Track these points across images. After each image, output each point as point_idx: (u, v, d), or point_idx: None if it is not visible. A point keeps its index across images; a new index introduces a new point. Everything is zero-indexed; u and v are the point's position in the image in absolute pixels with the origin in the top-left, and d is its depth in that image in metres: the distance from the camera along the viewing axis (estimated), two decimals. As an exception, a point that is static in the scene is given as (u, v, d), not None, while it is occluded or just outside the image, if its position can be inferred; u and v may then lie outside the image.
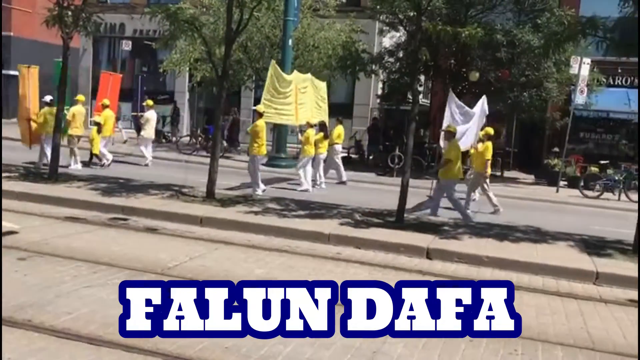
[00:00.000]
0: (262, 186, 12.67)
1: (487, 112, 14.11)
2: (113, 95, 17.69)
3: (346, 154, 22.02)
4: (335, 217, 9.86)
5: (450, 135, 11.30)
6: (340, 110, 25.33)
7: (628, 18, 9.06)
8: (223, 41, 12.19)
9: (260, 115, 12.15)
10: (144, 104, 18.73)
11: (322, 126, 15.01)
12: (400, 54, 20.03)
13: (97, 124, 15.67)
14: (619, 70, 22.10)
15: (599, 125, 23.20)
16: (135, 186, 11.68)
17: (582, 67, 17.45)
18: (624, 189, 16.99)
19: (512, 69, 18.34)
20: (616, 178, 17.38)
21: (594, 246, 9.02)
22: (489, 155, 12.50)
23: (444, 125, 11.98)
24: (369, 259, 7.86)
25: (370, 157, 21.78)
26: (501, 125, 26.09)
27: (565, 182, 18.81)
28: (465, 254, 8.05)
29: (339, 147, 16.17)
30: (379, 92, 23.71)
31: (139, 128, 18.58)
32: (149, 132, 17.32)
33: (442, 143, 12.19)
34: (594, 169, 18.53)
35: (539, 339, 5.30)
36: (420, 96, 27.66)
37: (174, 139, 24.32)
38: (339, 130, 16.30)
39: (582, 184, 17.65)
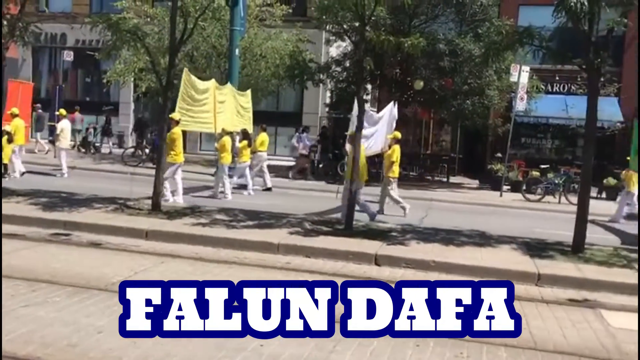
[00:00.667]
0: (168, 195, 12.31)
1: (397, 117, 14.94)
2: (25, 105, 17.34)
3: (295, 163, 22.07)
4: (285, 227, 9.83)
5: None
6: (289, 119, 25.54)
7: (563, 28, 9.41)
8: (168, 51, 12.03)
9: (177, 122, 12.05)
10: (57, 113, 18.33)
11: (244, 134, 15.09)
12: (347, 64, 20.25)
13: (8, 134, 15.20)
14: (557, 78, 23.01)
15: (539, 131, 24.06)
16: (79, 200, 11.34)
17: (521, 75, 18.05)
18: (564, 191, 17.62)
19: (455, 77, 18.80)
20: (556, 181, 18.02)
21: (536, 248, 9.30)
22: (394, 157, 12.91)
23: (350, 129, 12.21)
24: (318, 267, 7.87)
25: (320, 166, 21.87)
26: (445, 132, 26.86)
27: (509, 187, 19.36)
28: (412, 259, 8.17)
29: (263, 155, 16.29)
30: (327, 100, 23.87)
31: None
32: (63, 142, 16.95)
33: (347, 147, 12.39)
34: (535, 173, 19.15)
35: (484, 341, 5.41)
36: (368, 104, 28.08)
37: (106, 149, 24.06)
38: (262, 138, 16.43)
39: (524, 187, 18.22)
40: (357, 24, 11.43)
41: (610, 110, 21.18)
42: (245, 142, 14.88)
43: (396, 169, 13.00)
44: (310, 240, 8.92)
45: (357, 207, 10.42)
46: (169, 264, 7.60)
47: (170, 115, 11.76)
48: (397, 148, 13.05)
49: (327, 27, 19.95)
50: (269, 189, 16.15)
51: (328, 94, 23.12)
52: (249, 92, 16.95)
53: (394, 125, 14.45)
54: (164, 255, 7.95)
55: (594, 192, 18.49)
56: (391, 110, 14.55)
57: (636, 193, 14.37)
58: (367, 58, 10.00)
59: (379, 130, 13.83)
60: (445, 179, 22.60)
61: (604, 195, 19.10)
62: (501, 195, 18.22)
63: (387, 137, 13.62)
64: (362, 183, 11.24)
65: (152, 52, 12.62)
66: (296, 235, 9.21)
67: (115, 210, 10.49)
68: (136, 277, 6.84)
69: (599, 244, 9.84)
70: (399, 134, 13.45)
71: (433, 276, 7.73)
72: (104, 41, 11.28)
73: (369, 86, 22.13)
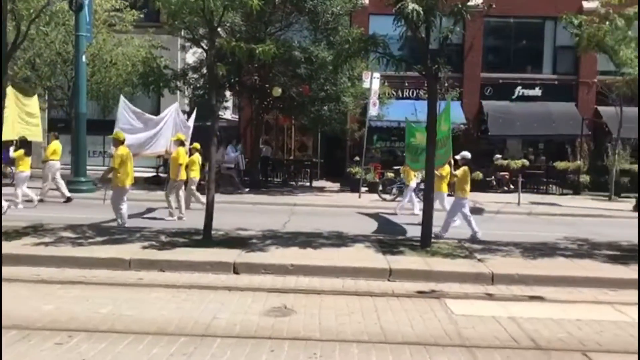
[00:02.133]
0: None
1: (186, 120, 16.08)
2: None
3: (154, 174, 21.28)
4: (138, 241, 9.39)
5: (118, 142, 11.58)
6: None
7: (409, 37, 9.88)
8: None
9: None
10: None
11: (22, 143, 14.44)
12: (204, 70, 19.92)
13: None
14: (406, 84, 24.41)
15: (392, 134, 25.33)
16: None
17: (372, 82, 18.88)
18: (415, 191, 18.65)
19: (312, 84, 19.21)
20: (409, 181, 19.03)
21: (388, 245, 9.74)
22: (182, 160, 13.23)
23: (115, 130, 12.28)
24: (173, 281, 7.59)
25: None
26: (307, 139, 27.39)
27: (367, 188, 20.19)
28: (271, 264, 8.18)
29: (56, 164, 15.49)
30: (186, 108, 23.29)
31: None
32: None
33: (112, 150, 12.36)
34: (389, 175, 20.12)
35: (337, 339, 5.53)
36: (230, 111, 27.89)
37: None
38: (54, 146, 15.67)
39: (380, 188, 19.08)
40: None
41: (454, 114, 22.74)
42: (21, 152, 14.11)
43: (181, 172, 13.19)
44: (165, 253, 8.61)
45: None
46: (5, 289, 6.91)
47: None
48: (181, 150, 13.28)
49: (182, 32, 19.52)
50: (68, 200, 15.35)
51: (186, 101, 22.58)
52: (35, 97, 15.95)
53: (188, 128, 15.75)
54: (0, 281, 7.23)
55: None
56: (176, 112, 15.37)
57: (413, 186, 15.39)
58: (220, 64, 9.87)
59: (161, 132, 14.27)
60: (308, 184, 23.02)
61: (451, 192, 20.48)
62: (360, 196, 18.91)
63: (171, 139, 14.09)
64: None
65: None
66: (150, 249, 8.83)
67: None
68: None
69: (445, 238, 10.53)
70: (182, 136, 14.00)
71: (291, 280, 7.79)
72: None
73: (227, 93, 21.97)
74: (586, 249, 10.29)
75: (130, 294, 6.89)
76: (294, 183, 23.04)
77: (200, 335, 5.51)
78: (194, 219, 11.14)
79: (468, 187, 11.62)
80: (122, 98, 13.50)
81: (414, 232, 10.95)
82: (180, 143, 13.46)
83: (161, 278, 7.70)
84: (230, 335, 5.54)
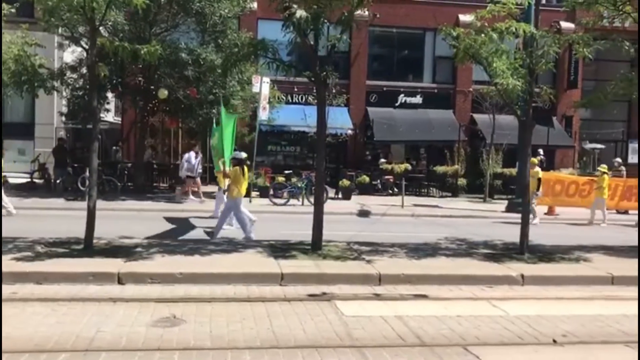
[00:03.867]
0: None
1: None
2: None
3: (29, 179, 19.89)
4: (11, 252, 8.70)
5: None
6: (19, 130, 22.87)
7: (298, 43, 9.94)
8: None
9: None
10: None
11: None
12: (84, 70, 18.91)
13: None
14: (295, 89, 24.65)
15: (282, 139, 25.52)
16: None
17: (262, 86, 18.89)
18: (306, 194, 18.91)
19: (200, 86, 18.85)
20: (299, 185, 19.26)
21: (280, 249, 9.76)
22: None
23: None
24: (52, 294, 7.11)
25: (58, 182, 19.99)
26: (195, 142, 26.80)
27: (257, 192, 20.12)
28: (158, 273, 7.91)
29: None
30: (64, 110, 21.98)
31: None
32: None
33: None
34: (280, 179, 20.22)
35: (229, 347, 5.46)
36: (112, 114, 26.67)
37: None
38: None
39: (271, 192, 19.11)
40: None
41: (342, 119, 23.42)
42: None
43: None
44: (42, 264, 8.05)
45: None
46: None
47: None
48: None
49: (59, 30, 18.39)
50: None
51: (64, 102, 21.30)
52: None
53: None
54: None
55: (333, 193, 20.41)
56: None
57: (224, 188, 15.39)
58: (101, 64, 9.41)
59: None
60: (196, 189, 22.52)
61: (340, 195, 20.99)
62: (250, 201, 18.76)
63: None
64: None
65: None
66: (25, 261, 8.21)
67: None
68: None
69: (335, 240, 10.74)
70: None
71: (180, 289, 7.58)
72: None
73: (109, 94, 21.00)
74: (465, 248, 10.94)
75: (3, 309, 6.36)
76: (180, 188, 22.43)
77: (83, 350, 5.21)
78: (74, 228, 10.51)
79: (242, 188, 11.72)
80: None
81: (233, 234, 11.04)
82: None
83: (38, 291, 7.19)
84: (116, 349, 5.29)
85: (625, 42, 11.20)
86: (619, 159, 22.72)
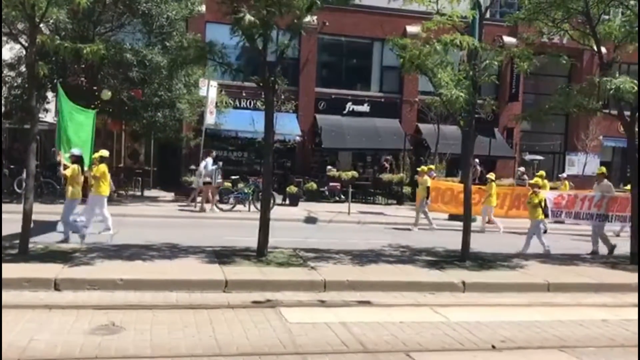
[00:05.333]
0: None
1: None
2: None
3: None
4: (-62, 257, 8.25)
5: None
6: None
7: (247, 48, 9.85)
8: None
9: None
10: None
11: None
12: (23, 68, 18.22)
13: None
14: (244, 94, 24.51)
15: (229, 144, 25.27)
16: None
17: (210, 90, 18.67)
18: (253, 200, 18.76)
19: (145, 88, 18.47)
20: (246, 191, 19.10)
21: (224, 255, 9.63)
22: None
23: None
24: (-19, 301, 6.77)
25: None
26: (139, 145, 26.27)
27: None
28: (97, 279, 7.67)
29: None
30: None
31: None
32: None
33: None
34: (227, 184, 19.99)
35: (170, 355, 5.34)
36: (52, 114, 25.75)
37: None
38: None
39: (217, 198, 18.84)
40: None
41: (290, 126, 23.40)
42: None
43: None
44: (-28, 269, 7.65)
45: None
46: None
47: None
48: None
49: (-4, 26, 17.66)
50: None
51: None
52: None
53: None
54: None
55: (280, 199, 20.34)
56: None
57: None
58: (40, 63, 9.08)
59: None
60: (139, 193, 22.04)
61: (287, 201, 20.94)
62: (196, 206, 18.51)
63: None
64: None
65: None
66: (-48, 265, 7.80)
67: None
68: None
69: (281, 247, 10.69)
70: None
71: (120, 295, 7.37)
72: None
73: (49, 94, 20.29)
74: (408, 255, 11.09)
75: None
76: (123, 192, 21.87)
77: (14, 360, 4.99)
78: (9, 231, 10.07)
79: (106, 186, 11.78)
80: None
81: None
82: None
83: (-34, 299, 6.83)
84: (50, 358, 5.09)
85: (563, 56, 11.66)
86: (522, 168, 23.83)
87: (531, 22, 12.25)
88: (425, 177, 16.72)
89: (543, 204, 12.39)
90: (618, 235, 15.47)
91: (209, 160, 18.43)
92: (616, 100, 11.27)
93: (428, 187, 16.47)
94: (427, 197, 16.52)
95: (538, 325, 6.98)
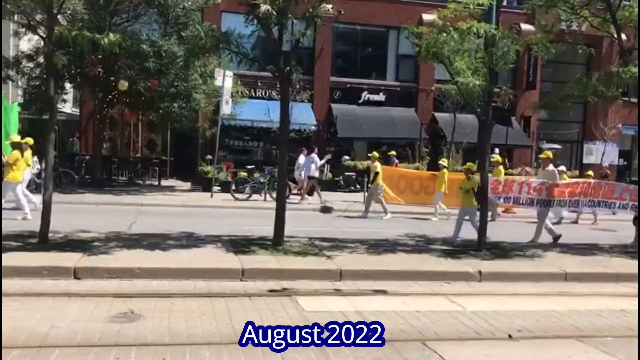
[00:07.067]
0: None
1: None
2: None
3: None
4: (-40, 245, 8.41)
5: None
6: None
7: (262, 37, 9.87)
8: None
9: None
10: None
11: None
12: (41, 59, 18.40)
13: None
14: (259, 84, 24.51)
15: (245, 134, 25.34)
16: None
17: (225, 80, 18.70)
18: (269, 190, 18.83)
19: (161, 79, 18.56)
20: (261, 181, 19.17)
21: (240, 245, 9.70)
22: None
23: None
24: (4, 289, 6.86)
25: (12, 174, 19.41)
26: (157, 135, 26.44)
27: (219, 187, 19.97)
28: (116, 268, 7.76)
29: None
30: (19, 99, 21.35)
31: None
32: None
33: None
34: (242, 174, 20.08)
35: (188, 343, 5.39)
36: (70, 104, 26.04)
37: None
38: None
39: (233, 187, 18.97)
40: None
41: (305, 115, 23.40)
42: None
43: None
44: (-6, 258, 7.79)
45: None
46: None
47: None
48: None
49: (15, 17, 17.81)
50: None
51: (19, 92, 20.69)
52: None
53: None
54: None
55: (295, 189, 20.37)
56: None
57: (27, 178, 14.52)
58: (58, 53, 9.16)
59: None
60: (157, 183, 22.23)
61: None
62: (212, 196, 18.66)
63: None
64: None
65: None
66: (-26, 254, 7.95)
67: None
68: None
69: (297, 236, 10.72)
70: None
71: (139, 283, 7.46)
72: None
73: (67, 85, 20.50)
74: (423, 244, 11.08)
75: (-49, 305, 6.14)
76: (141, 182, 22.10)
77: (36, 346, 5.07)
78: (29, 221, 10.25)
79: (18, 173, 12.26)
80: None
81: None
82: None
83: (-11, 286, 6.96)
84: (71, 345, 5.16)
85: (581, 45, 11.50)
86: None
87: (549, 8, 12.07)
88: (376, 163, 16.19)
89: (476, 189, 11.35)
90: (576, 222, 15.99)
91: (315, 155, 19.01)
92: (636, 87, 11.10)
93: (377, 173, 16.02)
94: (371, 182, 16.15)
95: (555, 315, 6.94)
